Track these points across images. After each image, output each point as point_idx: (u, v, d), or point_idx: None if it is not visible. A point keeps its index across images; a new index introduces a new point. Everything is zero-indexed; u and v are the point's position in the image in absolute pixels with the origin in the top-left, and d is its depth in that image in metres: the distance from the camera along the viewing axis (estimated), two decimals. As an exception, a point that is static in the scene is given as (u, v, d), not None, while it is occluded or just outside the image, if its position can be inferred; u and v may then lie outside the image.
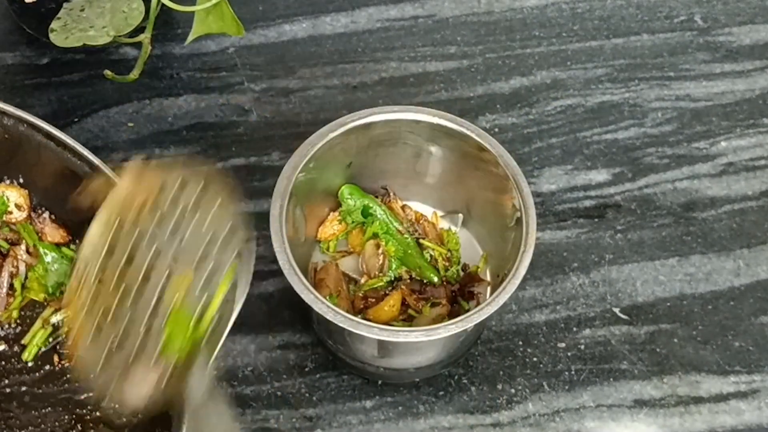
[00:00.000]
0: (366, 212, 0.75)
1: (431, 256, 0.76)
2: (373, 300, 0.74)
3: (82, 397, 0.70)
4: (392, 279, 0.74)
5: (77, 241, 0.73)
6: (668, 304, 0.79)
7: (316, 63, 0.88)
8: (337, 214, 0.76)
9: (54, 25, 0.74)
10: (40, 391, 0.71)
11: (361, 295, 0.74)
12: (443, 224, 0.78)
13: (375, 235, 0.75)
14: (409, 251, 0.75)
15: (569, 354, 0.77)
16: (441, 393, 0.75)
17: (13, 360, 0.72)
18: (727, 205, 0.83)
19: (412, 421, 0.74)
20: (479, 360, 0.76)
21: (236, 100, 0.86)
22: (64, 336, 0.72)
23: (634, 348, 0.77)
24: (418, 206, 0.79)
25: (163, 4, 0.73)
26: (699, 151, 0.85)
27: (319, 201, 0.76)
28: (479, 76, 0.88)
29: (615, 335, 0.78)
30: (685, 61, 0.89)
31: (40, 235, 0.74)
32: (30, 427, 0.69)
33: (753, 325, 0.78)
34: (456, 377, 0.76)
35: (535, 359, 0.77)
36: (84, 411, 0.70)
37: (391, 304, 0.72)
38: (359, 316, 0.71)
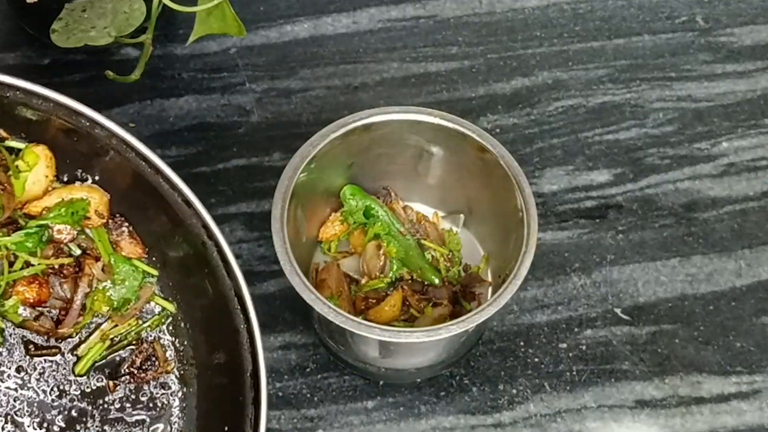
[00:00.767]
0: (368, 213, 0.75)
1: (432, 256, 0.75)
2: (374, 301, 0.73)
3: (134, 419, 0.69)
4: (393, 280, 0.74)
5: (153, 258, 0.70)
6: (670, 304, 0.79)
7: (318, 63, 0.88)
8: (338, 214, 0.76)
9: (55, 25, 0.74)
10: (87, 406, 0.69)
11: (362, 295, 0.74)
12: (444, 225, 0.78)
13: (377, 236, 0.75)
14: (411, 252, 0.75)
15: (571, 354, 0.77)
16: (442, 393, 0.75)
17: (64, 370, 0.69)
18: (729, 205, 0.83)
19: (414, 422, 0.74)
20: (480, 360, 0.76)
21: (237, 100, 0.86)
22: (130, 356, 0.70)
23: (635, 348, 0.77)
24: (419, 207, 0.78)
25: (164, 5, 0.73)
26: (700, 151, 0.85)
27: (320, 201, 0.76)
28: (480, 76, 0.88)
29: (616, 336, 0.78)
30: (686, 62, 0.89)
31: (114, 245, 0.70)
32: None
33: (754, 325, 0.78)
34: (457, 378, 0.76)
35: (536, 360, 0.77)
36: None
37: (391, 304, 0.72)
38: (360, 316, 0.71)
